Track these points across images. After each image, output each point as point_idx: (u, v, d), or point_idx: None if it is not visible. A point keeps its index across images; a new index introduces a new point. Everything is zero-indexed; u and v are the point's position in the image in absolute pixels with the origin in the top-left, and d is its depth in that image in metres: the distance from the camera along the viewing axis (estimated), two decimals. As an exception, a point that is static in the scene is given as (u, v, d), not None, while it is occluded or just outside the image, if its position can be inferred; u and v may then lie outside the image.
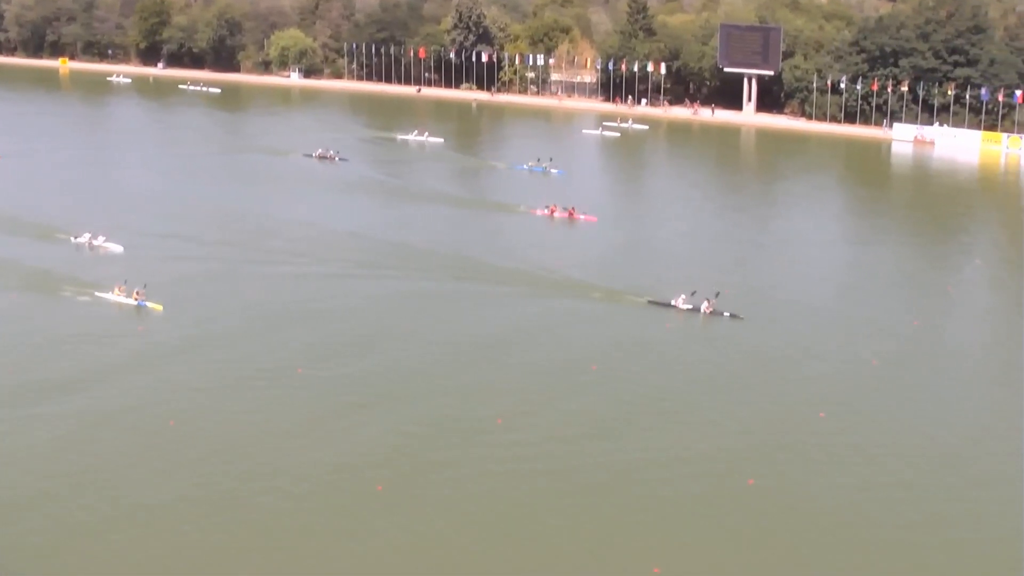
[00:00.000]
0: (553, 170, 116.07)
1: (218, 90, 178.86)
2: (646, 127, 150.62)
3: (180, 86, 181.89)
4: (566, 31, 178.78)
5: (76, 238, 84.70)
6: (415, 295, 74.30)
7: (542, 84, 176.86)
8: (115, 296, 71.20)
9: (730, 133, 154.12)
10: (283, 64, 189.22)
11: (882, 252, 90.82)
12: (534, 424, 53.47)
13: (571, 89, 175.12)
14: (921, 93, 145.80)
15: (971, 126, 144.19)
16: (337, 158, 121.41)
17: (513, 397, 56.63)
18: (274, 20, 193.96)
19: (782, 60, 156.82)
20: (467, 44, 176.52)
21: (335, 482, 47.24)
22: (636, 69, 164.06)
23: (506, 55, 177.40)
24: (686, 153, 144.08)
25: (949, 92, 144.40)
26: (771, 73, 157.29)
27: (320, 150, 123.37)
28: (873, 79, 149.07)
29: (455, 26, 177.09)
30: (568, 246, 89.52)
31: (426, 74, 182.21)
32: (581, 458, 49.84)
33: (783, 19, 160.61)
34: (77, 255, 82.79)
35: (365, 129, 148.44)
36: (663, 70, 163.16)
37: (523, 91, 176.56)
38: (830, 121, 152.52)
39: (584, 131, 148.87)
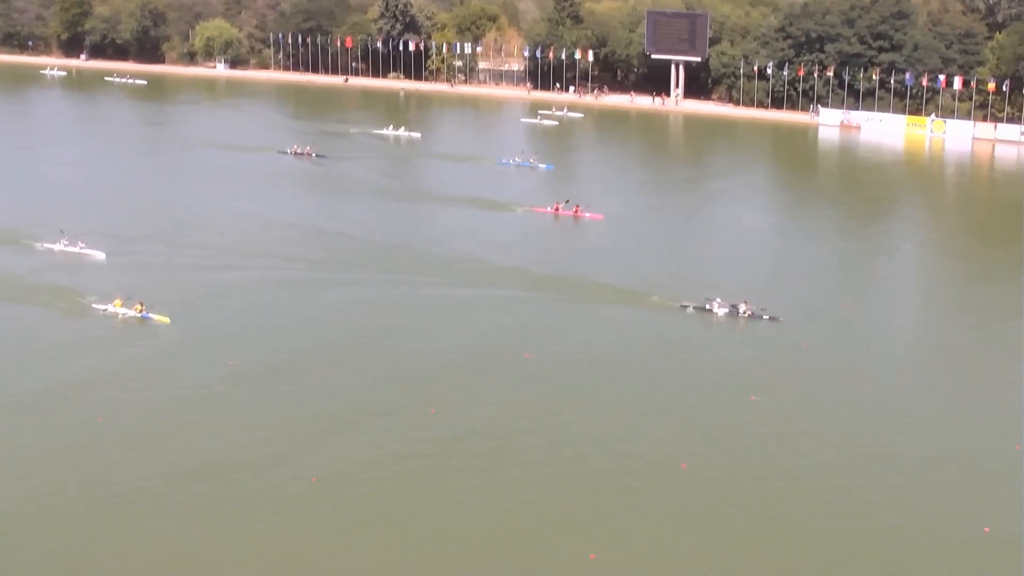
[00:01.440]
0: (540, 165, 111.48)
1: (144, 82, 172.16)
2: (581, 115, 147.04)
3: (106, 78, 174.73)
4: (493, 19, 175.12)
5: (51, 244, 77.61)
6: (435, 300, 69.30)
7: (469, 72, 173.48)
8: (116, 308, 64.83)
9: (661, 120, 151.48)
10: (208, 55, 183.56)
11: (812, 237, 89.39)
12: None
13: (499, 77, 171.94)
14: (847, 78, 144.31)
15: (896, 110, 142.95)
16: (314, 155, 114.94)
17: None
18: (199, 10, 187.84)
19: (709, 46, 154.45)
20: (394, 33, 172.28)
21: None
22: (564, 57, 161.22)
23: (433, 44, 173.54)
24: (643, 142, 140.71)
25: (874, 77, 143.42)
26: (698, 59, 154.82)
27: (296, 147, 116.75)
28: (799, 65, 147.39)
29: (382, 15, 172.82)
30: (582, 246, 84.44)
31: (353, 64, 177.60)
32: (510, 446, 48.90)
33: (710, 6, 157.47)
34: (57, 263, 75.23)
35: (336, 124, 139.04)
36: (591, 57, 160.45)
37: (450, 79, 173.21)
38: (757, 107, 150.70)
39: (523, 120, 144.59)
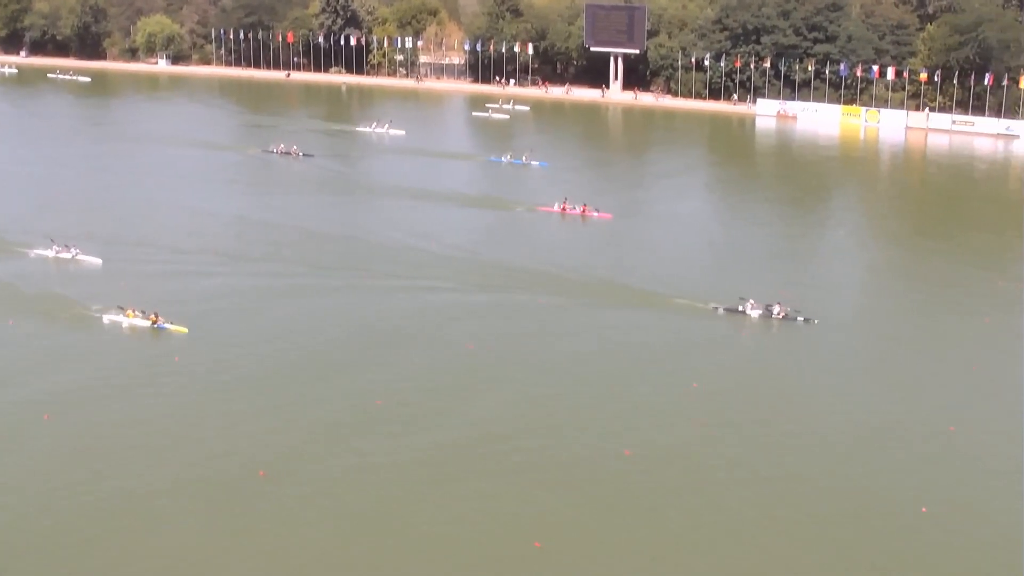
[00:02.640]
0: (534, 162, 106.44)
1: (88, 79, 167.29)
2: (527, 107, 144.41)
3: (49, 75, 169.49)
4: (434, 13, 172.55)
5: (43, 251, 71.88)
6: (460, 307, 64.32)
7: (411, 66, 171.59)
8: (129, 319, 59.74)
9: (600, 111, 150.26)
10: (150, 51, 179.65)
11: (751, 224, 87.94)
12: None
13: (440, 71, 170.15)
14: (783, 69, 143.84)
15: (831, 100, 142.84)
16: (300, 154, 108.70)
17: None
18: (140, 6, 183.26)
19: (647, 39, 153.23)
20: (335, 28, 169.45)
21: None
22: (504, 50, 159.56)
23: (375, 38, 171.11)
24: (617, 136, 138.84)
25: (809, 68, 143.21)
26: (636, 52, 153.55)
27: (282, 145, 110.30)
28: (736, 56, 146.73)
29: (323, 10, 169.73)
30: (596, 247, 79.63)
31: (295, 58, 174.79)
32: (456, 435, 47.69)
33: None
34: (54, 272, 69.61)
35: (317, 121, 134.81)
36: (531, 50, 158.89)
37: (392, 73, 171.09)
38: (695, 98, 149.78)
39: (474, 113, 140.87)
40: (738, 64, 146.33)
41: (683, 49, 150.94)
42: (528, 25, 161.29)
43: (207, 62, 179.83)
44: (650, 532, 40.03)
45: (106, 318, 60.40)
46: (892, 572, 38.11)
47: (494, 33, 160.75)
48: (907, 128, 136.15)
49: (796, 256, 78.68)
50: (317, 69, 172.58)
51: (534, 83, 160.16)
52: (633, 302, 64.30)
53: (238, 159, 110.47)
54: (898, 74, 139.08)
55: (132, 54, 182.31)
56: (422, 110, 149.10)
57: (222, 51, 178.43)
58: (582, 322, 61.93)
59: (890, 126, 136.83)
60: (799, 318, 61.37)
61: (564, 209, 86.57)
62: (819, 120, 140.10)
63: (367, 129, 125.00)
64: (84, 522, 40.10)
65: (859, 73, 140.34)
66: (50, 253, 71.80)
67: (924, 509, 41.70)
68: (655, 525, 40.54)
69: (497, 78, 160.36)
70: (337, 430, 47.95)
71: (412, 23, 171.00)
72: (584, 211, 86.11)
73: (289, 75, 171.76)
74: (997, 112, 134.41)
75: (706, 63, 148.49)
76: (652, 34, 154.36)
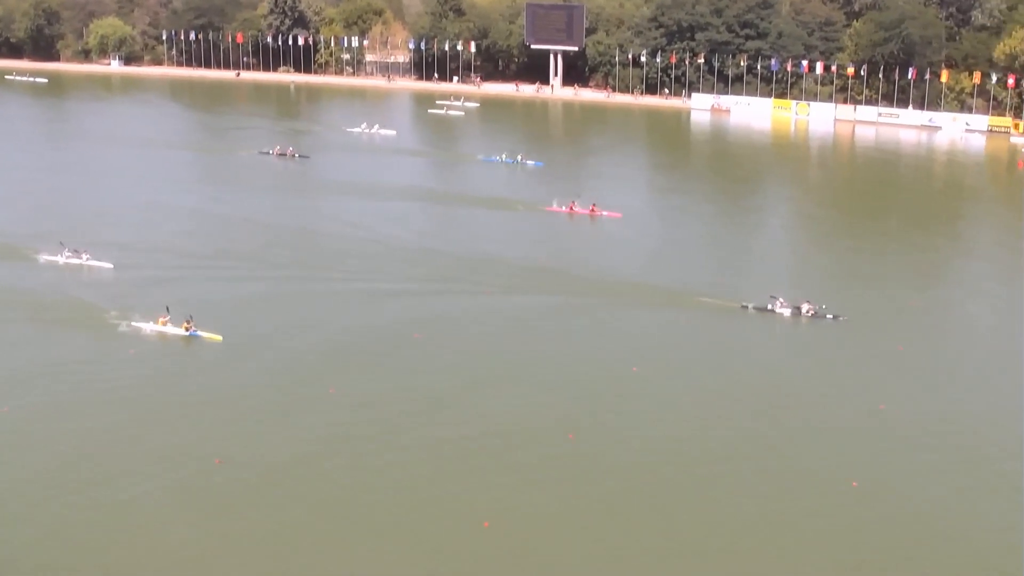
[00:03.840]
0: (528, 162, 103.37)
1: (45, 80, 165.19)
2: (477, 104, 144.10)
3: (7, 76, 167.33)
4: (379, 13, 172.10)
5: (52, 257, 67.53)
6: (502, 312, 60.97)
7: (357, 65, 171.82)
8: (160, 327, 55.53)
9: (542, 107, 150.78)
10: (103, 52, 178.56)
11: (687, 214, 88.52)
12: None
13: (385, 69, 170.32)
14: (716, 65, 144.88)
15: (763, 94, 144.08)
16: (297, 155, 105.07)
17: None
18: (92, 8, 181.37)
19: (586, 36, 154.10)
20: (283, 28, 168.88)
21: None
22: (447, 48, 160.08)
23: (322, 38, 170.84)
24: (583, 131, 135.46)
25: (742, 63, 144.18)
26: (575, 49, 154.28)
27: (277, 147, 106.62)
28: (671, 52, 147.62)
29: (271, 11, 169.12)
30: (610, 246, 76.49)
31: (244, 58, 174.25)
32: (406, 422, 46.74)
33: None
34: (69, 278, 64.85)
35: (307, 123, 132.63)
36: (473, 48, 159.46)
37: (339, 72, 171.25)
38: (632, 93, 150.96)
39: (430, 111, 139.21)
40: (673, 60, 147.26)
41: (620, 46, 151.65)
42: (470, 24, 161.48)
43: (159, 63, 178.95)
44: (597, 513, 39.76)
45: (138, 325, 56.13)
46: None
47: (438, 32, 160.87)
48: (835, 120, 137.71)
49: (727, 244, 78.91)
50: (266, 69, 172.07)
51: (465, 80, 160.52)
52: (661, 302, 62.25)
53: (234, 161, 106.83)
54: (826, 69, 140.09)
55: (85, 55, 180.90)
56: (376, 107, 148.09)
57: (173, 52, 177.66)
58: (616, 323, 59.68)
59: (819, 118, 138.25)
60: (828, 316, 59.73)
61: (572, 209, 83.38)
62: (751, 113, 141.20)
63: (357, 130, 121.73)
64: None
65: (789, 68, 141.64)
66: (62, 259, 67.33)
67: (855, 484, 41.49)
68: (607, 505, 40.18)
69: (436, 75, 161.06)
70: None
71: (358, 23, 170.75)
72: (593, 211, 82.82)
73: (239, 75, 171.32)
74: (920, 105, 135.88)
75: (642, 59, 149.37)
76: (590, 32, 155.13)
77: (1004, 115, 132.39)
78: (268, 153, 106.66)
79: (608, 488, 41.31)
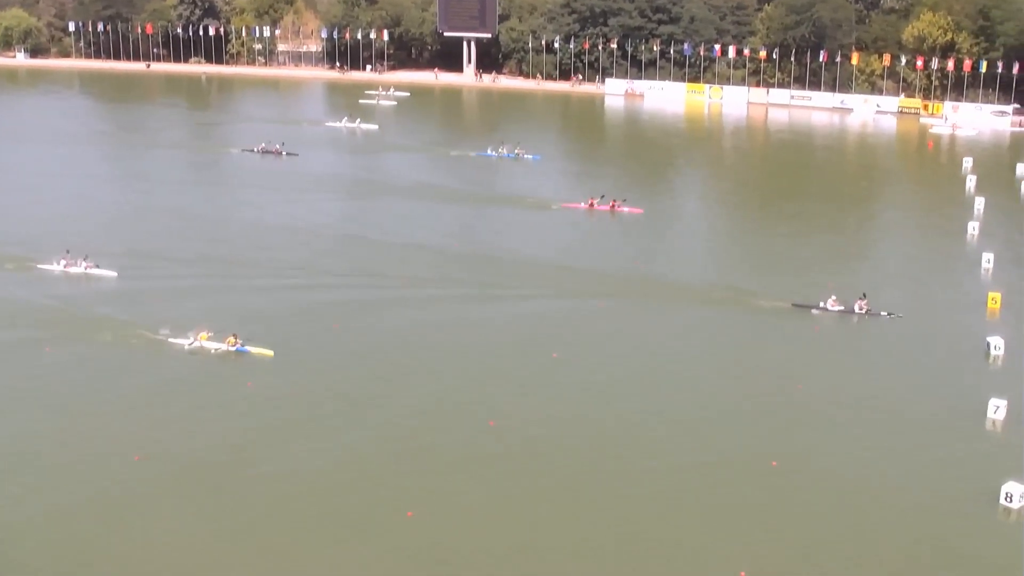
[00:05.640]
0: (527, 156, 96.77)
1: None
2: (407, 94, 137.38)
3: None
4: (290, 2, 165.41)
5: (48, 264, 60.62)
6: (547, 315, 56.21)
7: (269, 55, 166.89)
8: (204, 343, 49.27)
9: (456, 94, 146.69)
10: (7, 44, 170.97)
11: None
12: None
13: (298, 59, 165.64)
14: (630, 50, 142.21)
15: (676, 79, 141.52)
16: (284, 153, 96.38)
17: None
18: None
19: (499, 23, 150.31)
20: (193, 19, 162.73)
21: None
22: (360, 37, 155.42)
23: (233, 28, 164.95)
24: (548, 120, 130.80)
25: (655, 48, 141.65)
26: (489, 36, 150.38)
27: (264, 144, 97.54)
28: (584, 38, 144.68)
29: (181, 1, 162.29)
30: (640, 244, 70.99)
31: (155, 49, 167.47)
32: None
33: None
34: (74, 288, 58.23)
35: (290, 118, 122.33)
36: (386, 36, 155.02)
37: (251, 62, 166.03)
38: (547, 79, 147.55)
39: (361, 101, 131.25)
40: (586, 46, 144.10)
41: (533, 32, 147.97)
42: (383, 12, 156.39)
43: (66, 55, 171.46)
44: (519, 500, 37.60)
45: (177, 341, 49.72)
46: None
47: (350, 21, 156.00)
48: (748, 104, 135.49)
49: (642, 229, 76.27)
50: (177, 60, 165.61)
51: (375, 70, 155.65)
52: (714, 302, 58.03)
53: (219, 160, 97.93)
54: (739, 52, 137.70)
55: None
56: (299, 99, 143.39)
57: (81, 44, 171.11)
58: (675, 324, 55.41)
59: (732, 102, 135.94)
60: (883, 313, 55.80)
61: (592, 205, 78.01)
62: (665, 98, 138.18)
63: (338, 124, 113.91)
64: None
65: (702, 52, 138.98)
66: (56, 267, 60.45)
67: (774, 463, 39.80)
68: (532, 492, 38.09)
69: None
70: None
71: (269, 12, 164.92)
72: (614, 206, 77.38)
73: (149, 66, 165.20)
74: (832, 87, 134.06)
75: (556, 45, 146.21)
76: (503, 18, 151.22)
77: (914, 96, 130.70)
78: (253, 151, 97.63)
79: (533, 474, 39.29)
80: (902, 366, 50.16)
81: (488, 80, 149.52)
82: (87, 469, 38.68)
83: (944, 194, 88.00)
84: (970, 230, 73.43)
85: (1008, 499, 36.85)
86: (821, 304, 56.20)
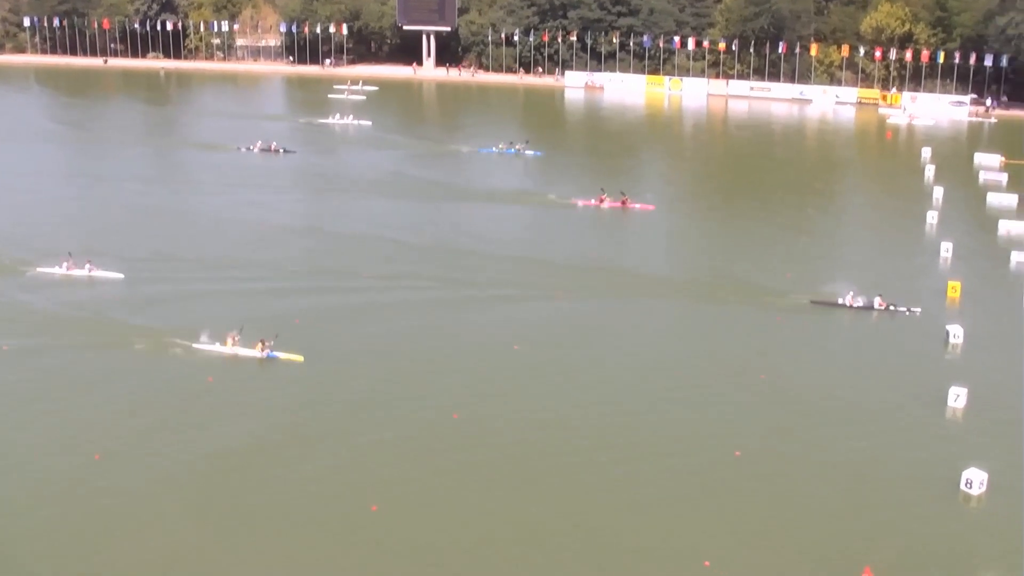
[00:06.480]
0: (529, 152, 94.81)
1: None
2: (376, 88, 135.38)
3: None
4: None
5: (49, 268, 58.33)
6: (585, 316, 54.39)
7: (228, 50, 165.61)
8: (231, 348, 47.44)
9: (414, 87, 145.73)
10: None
11: (561, 192, 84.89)
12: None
13: (257, 53, 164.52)
14: (589, 42, 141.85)
15: (636, 71, 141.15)
16: (282, 151, 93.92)
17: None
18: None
19: (458, 16, 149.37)
20: (151, 13, 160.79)
21: None
22: (319, 31, 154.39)
23: (191, 23, 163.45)
24: (529, 114, 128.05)
25: (614, 40, 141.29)
26: (448, 29, 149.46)
27: (260, 142, 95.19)
28: (544, 31, 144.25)
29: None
30: (653, 241, 69.66)
31: (112, 45, 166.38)
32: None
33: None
34: (80, 292, 55.93)
35: (282, 115, 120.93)
36: (345, 30, 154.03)
37: (209, 57, 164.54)
38: (506, 72, 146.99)
39: (329, 96, 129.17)
40: (546, 38, 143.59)
41: (493, 25, 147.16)
42: (342, 6, 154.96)
43: (21, 51, 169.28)
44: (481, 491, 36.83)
45: (202, 347, 47.98)
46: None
47: (309, 15, 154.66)
48: (708, 95, 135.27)
49: (599, 221, 76.10)
50: (135, 55, 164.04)
51: (333, 63, 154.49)
52: (734, 299, 56.71)
53: (216, 159, 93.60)
54: (698, 44, 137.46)
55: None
56: (261, 94, 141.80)
57: (36, 39, 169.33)
58: (699, 322, 54.28)
59: (692, 94, 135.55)
60: (902, 308, 54.79)
61: (602, 201, 76.30)
62: (625, 90, 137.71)
63: (331, 120, 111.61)
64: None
65: (661, 44, 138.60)
66: (57, 270, 58.12)
67: (737, 453, 39.36)
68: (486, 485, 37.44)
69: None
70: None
71: (228, 7, 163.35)
72: (624, 203, 75.65)
73: (107, 62, 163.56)
74: (791, 78, 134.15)
75: (515, 38, 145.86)
76: (463, 12, 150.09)
77: (872, 87, 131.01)
78: (250, 149, 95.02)
79: (496, 466, 38.80)
80: (863, 355, 49.54)
81: (467, 74, 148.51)
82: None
83: (903, 184, 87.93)
84: (929, 219, 73.40)
85: (968, 485, 36.75)
86: (840, 300, 55.43)
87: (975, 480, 36.66)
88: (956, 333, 50.79)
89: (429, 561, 32.99)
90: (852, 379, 46.76)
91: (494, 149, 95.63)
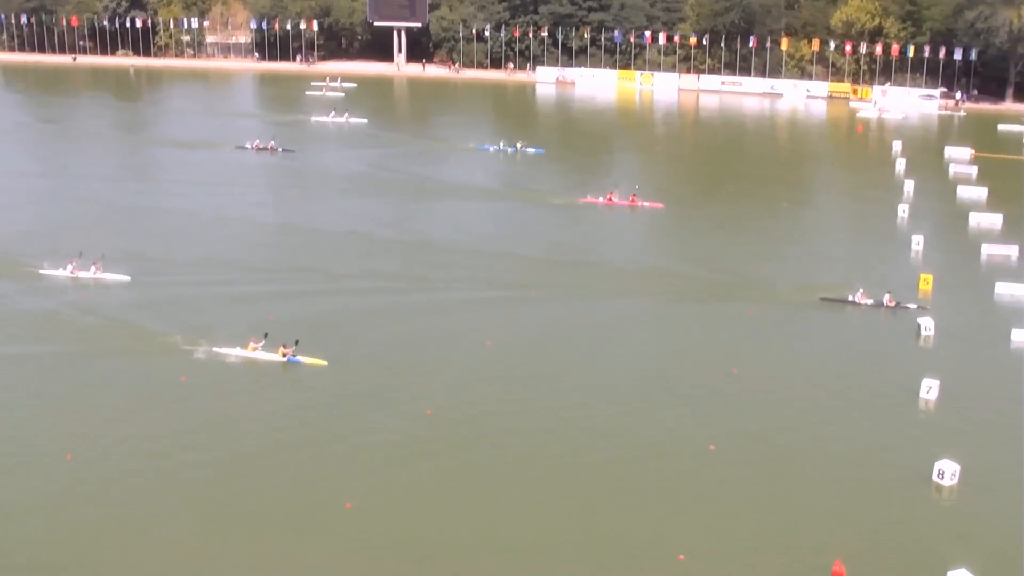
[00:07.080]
0: (529, 149, 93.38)
1: None
2: (355, 84, 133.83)
3: None
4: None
5: (53, 270, 57.32)
6: (615, 315, 54.36)
7: (198, 47, 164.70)
8: (252, 353, 46.55)
9: (387, 83, 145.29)
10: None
11: (537, 189, 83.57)
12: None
13: (227, 50, 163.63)
14: (560, 37, 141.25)
15: (607, 66, 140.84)
16: (280, 149, 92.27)
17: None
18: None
19: (429, 12, 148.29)
20: (120, 10, 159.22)
21: None
22: (289, 27, 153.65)
23: (160, 20, 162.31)
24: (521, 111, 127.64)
25: (585, 35, 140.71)
26: (419, 25, 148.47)
27: (257, 141, 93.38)
28: (515, 26, 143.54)
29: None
30: (663, 239, 69.91)
31: (81, 42, 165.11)
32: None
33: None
34: (87, 295, 54.98)
35: (271, 113, 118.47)
36: (316, 27, 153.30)
37: (179, 54, 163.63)
38: (477, 67, 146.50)
39: (307, 92, 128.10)
40: (517, 34, 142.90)
41: (464, 21, 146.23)
42: (312, 2, 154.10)
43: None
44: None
45: (221, 351, 47.17)
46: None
47: (279, 11, 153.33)
48: (679, 90, 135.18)
49: (576, 215, 75.83)
50: (104, 52, 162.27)
51: (305, 60, 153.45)
52: (744, 297, 56.55)
53: (214, 157, 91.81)
54: (669, 39, 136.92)
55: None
56: (235, 91, 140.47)
57: (3, 36, 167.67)
58: (713, 319, 53.87)
59: (663, 88, 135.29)
60: (911, 305, 54.66)
61: (611, 199, 75.62)
62: (596, 85, 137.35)
63: (326, 118, 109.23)
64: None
65: (632, 39, 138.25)
66: (62, 272, 57.13)
67: (711, 447, 39.37)
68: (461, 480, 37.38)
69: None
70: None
71: (197, 3, 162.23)
72: (633, 201, 75.08)
73: (76, 59, 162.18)
74: (762, 73, 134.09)
75: (486, 34, 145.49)
76: (433, 7, 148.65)
77: (843, 81, 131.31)
78: (247, 148, 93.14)
79: (470, 460, 39.01)
80: (835, 347, 49.67)
81: (452, 71, 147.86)
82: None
83: (874, 177, 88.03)
84: (900, 212, 73.72)
85: (940, 476, 36.89)
86: (850, 298, 55.22)
87: (947, 471, 36.77)
88: (928, 325, 50.97)
89: (405, 559, 32.97)
90: (824, 371, 46.80)
91: (494, 147, 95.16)
